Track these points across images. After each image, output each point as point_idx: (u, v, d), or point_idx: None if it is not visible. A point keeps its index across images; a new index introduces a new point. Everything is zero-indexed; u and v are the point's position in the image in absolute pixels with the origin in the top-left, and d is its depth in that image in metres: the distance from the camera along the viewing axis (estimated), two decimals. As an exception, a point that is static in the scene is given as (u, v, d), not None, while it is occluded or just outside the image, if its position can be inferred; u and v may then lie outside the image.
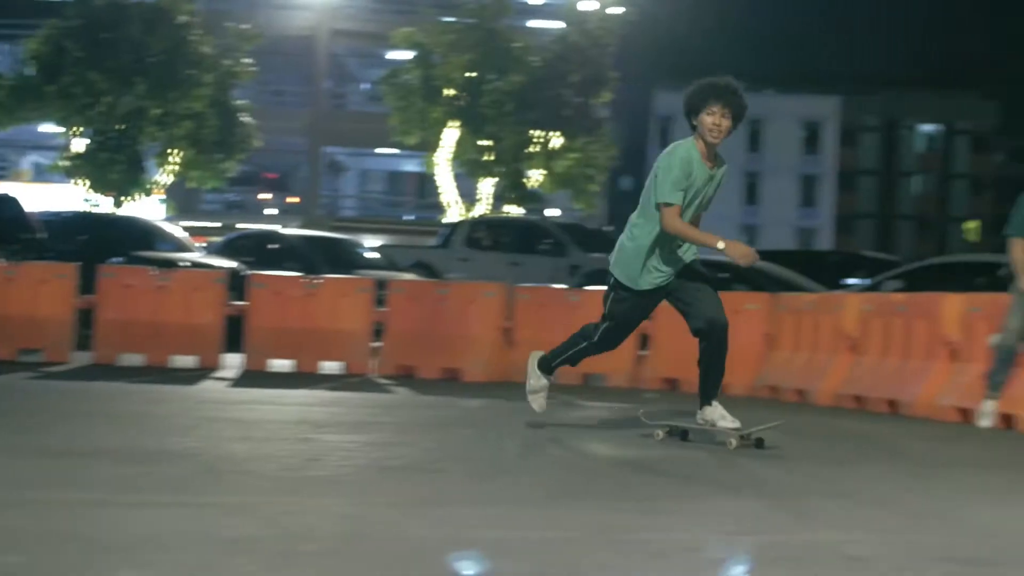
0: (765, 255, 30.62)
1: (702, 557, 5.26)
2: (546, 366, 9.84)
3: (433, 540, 5.48)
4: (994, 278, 14.13)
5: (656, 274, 9.31)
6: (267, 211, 62.87)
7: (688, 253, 9.32)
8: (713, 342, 9.33)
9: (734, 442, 9.13)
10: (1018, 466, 9.18)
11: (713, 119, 9.12)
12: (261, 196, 64.89)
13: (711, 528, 5.94)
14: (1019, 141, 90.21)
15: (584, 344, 9.68)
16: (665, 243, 9.24)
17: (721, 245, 8.99)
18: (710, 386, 9.39)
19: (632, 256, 9.35)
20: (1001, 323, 11.88)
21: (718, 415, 9.28)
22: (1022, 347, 11.87)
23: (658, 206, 9.12)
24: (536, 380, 9.88)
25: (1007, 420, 11.80)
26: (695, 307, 9.29)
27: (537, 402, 9.93)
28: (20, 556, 4.97)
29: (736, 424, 9.23)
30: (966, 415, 12.28)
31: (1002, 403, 11.81)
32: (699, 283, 9.36)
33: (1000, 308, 12.01)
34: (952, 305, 12.96)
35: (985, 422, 11.85)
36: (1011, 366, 11.82)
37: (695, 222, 9.25)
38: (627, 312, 9.54)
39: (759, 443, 9.21)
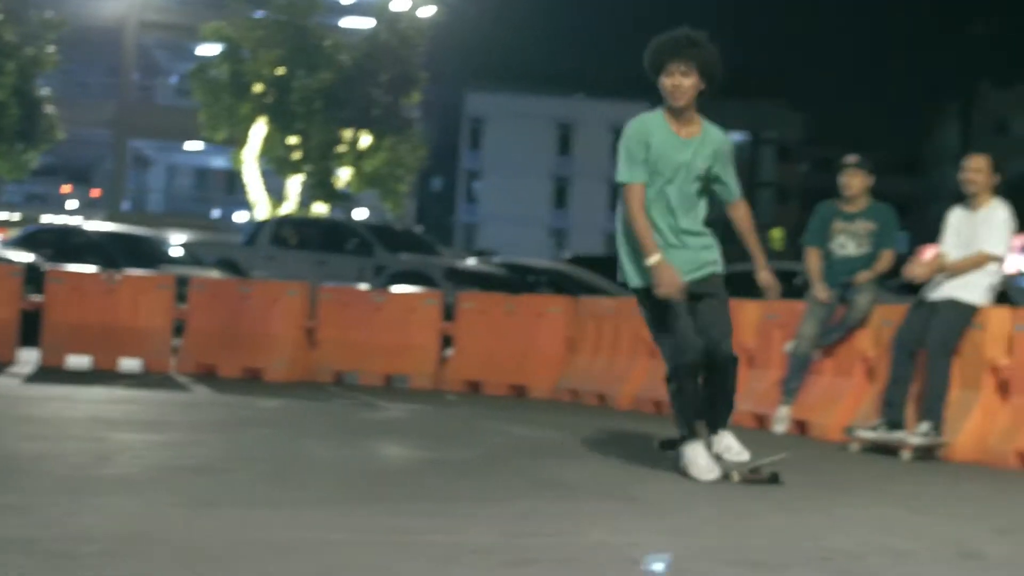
0: (593, 260, 30.85)
1: (491, 560, 5.24)
2: (686, 433, 8.18)
3: (217, 541, 5.39)
4: (791, 286, 14.38)
5: None
6: (69, 204, 61.81)
7: (703, 253, 8.20)
8: (715, 370, 8.13)
9: (736, 476, 7.97)
10: (809, 471, 9.31)
11: (672, 80, 8.16)
12: (63, 189, 63.78)
13: (503, 530, 5.93)
14: (824, 151, 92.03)
15: (672, 388, 8.20)
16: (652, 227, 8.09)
17: (651, 261, 7.96)
18: (715, 416, 8.19)
19: (623, 250, 8.19)
20: (796, 330, 12.07)
21: (723, 446, 8.12)
22: (816, 354, 12.07)
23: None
24: (682, 453, 8.20)
25: (801, 426, 11.98)
26: (704, 331, 8.06)
27: (705, 470, 8.06)
28: None
29: (743, 457, 8.06)
30: (762, 421, 12.45)
31: (796, 409, 12.00)
32: (714, 303, 8.13)
33: (795, 316, 12.21)
34: (749, 312, 13.14)
35: (780, 428, 12.03)
36: (805, 373, 12.02)
37: (686, 200, 8.16)
38: (660, 318, 8.13)
39: (773, 478, 8.04)
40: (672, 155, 8.12)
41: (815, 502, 7.48)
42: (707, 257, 8.19)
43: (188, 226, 53.44)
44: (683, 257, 8.08)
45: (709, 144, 8.23)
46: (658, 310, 8.07)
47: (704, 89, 8.20)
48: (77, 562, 4.88)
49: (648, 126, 8.21)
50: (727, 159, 8.32)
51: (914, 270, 10.67)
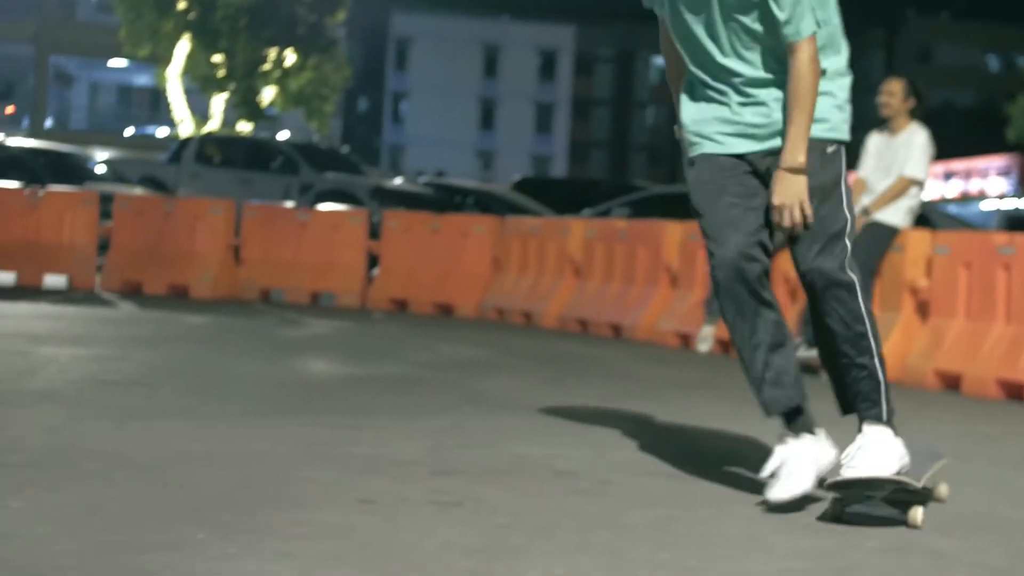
0: (541, 183, 30.88)
1: (413, 471, 5.30)
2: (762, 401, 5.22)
3: (141, 452, 5.42)
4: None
5: (712, 140, 5.16)
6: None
7: (762, 117, 5.08)
8: (818, 301, 5.06)
9: (830, 510, 4.84)
10: (729, 388, 9.43)
11: None
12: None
13: (425, 443, 6.00)
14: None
15: (727, 319, 5.14)
16: (698, 84, 5.23)
17: (679, 134, 5.32)
18: (842, 388, 5.16)
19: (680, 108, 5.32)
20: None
21: (846, 453, 4.96)
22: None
23: None
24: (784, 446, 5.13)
25: (724, 345, 12.11)
26: (793, 245, 5.07)
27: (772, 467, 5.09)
28: None
29: (872, 473, 4.80)
30: (686, 340, 12.57)
31: (719, 329, 12.11)
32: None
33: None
34: (672, 233, 13.23)
35: (703, 347, 12.14)
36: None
37: (736, 36, 5.05)
38: (699, 201, 5.14)
39: (927, 494, 4.98)
40: None
41: (735, 418, 7.58)
42: (764, 116, 5.11)
43: (111, 144, 52.99)
44: (748, 120, 5.12)
45: None
46: (699, 203, 5.19)
47: None
48: (4, 471, 4.90)
49: None
50: None
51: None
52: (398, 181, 27.66)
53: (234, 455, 5.47)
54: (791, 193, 4.90)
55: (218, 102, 41.67)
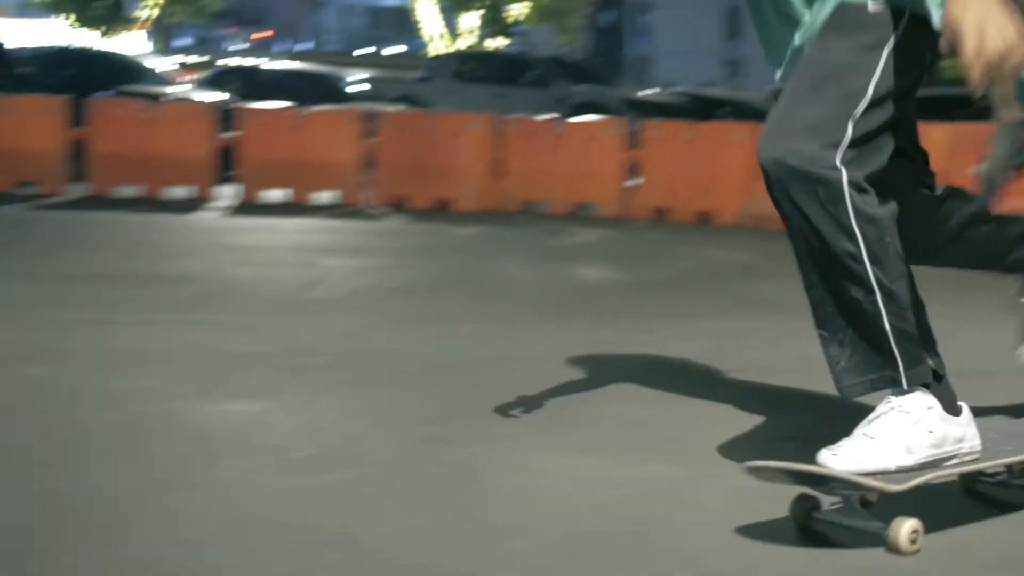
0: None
1: (701, 370, 5.42)
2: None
3: (434, 354, 5.64)
4: (975, 110, 14.21)
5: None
6: (235, 46, 62.55)
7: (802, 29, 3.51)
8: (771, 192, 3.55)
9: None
10: (990, 286, 9.32)
11: None
12: (229, 31, 64.61)
13: (708, 343, 6.10)
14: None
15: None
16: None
17: None
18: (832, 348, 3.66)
19: None
20: (986, 152, 11.97)
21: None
22: (1009, 175, 11.96)
23: None
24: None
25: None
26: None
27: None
28: (43, 367, 5.15)
29: (888, 460, 3.41)
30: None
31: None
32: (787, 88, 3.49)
33: (986, 138, 12.08)
34: (938, 135, 13.03)
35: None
36: (996, 196, 11.93)
37: None
38: None
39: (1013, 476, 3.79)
40: None
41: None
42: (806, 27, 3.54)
43: (364, 64, 53.80)
44: (778, 36, 3.70)
45: None
46: None
47: None
48: (308, 373, 5.16)
49: None
50: None
51: None
52: (650, 92, 27.63)
53: (525, 356, 5.65)
54: (970, 8, 3.07)
55: (468, 20, 42.00)
